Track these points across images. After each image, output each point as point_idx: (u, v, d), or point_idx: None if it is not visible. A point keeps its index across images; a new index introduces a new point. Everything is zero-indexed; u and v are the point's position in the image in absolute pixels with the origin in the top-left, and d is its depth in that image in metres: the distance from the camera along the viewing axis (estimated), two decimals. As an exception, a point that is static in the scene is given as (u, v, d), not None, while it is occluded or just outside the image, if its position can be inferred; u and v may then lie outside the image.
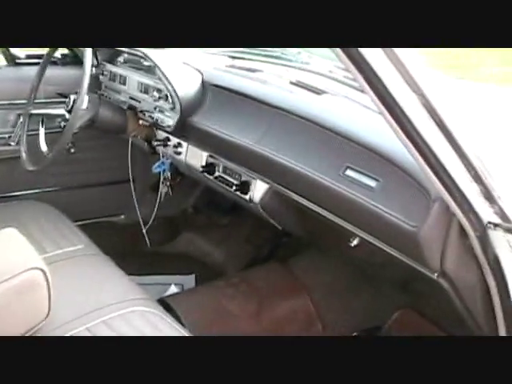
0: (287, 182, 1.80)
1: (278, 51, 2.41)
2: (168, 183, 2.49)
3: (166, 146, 2.34)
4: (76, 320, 1.73)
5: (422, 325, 2.17)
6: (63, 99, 2.33)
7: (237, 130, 1.96)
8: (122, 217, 3.08)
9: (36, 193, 2.77)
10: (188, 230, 3.12)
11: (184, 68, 2.21)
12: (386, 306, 2.31)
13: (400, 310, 2.27)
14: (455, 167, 1.14)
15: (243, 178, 2.01)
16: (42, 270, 1.64)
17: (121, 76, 2.51)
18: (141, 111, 2.37)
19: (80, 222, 2.68)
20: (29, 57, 2.67)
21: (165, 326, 1.72)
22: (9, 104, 2.57)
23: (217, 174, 2.12)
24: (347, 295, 2.41)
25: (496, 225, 1.25)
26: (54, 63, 2.66)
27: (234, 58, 2.39)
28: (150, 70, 2.30)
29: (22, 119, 2.46)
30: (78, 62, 2.55)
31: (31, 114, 2.36)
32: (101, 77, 2.65)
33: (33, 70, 2.44)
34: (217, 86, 2.13)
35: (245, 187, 1.99)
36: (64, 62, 2.72)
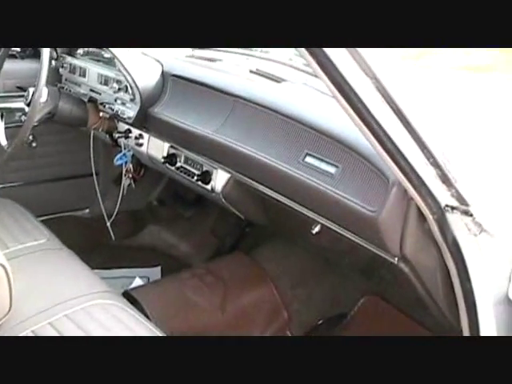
0: (247, 171, 1.80)
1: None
2: (130, 175, 2.47)
3: (127, 137, 2.32)
4: (38, 315, 1.71)
5: (387, 311, 2.19)
6: (23, 93, 2.30)
7: (197, 120, 1.95)
8: (87, 211, 3.06)
9: None
10: (153, 222, 3.10)
11: (143, 59, 2.19)
12: (350, 293, 2.32)
13: (365, 296, 2.28)
14: (411, 151, 1.14)
15: (204, 168, 2.00)
16: (3, 266, 1.61)
17: (81, 68, 2.49)
18: (101, 103, 2.35)
19: (43, 217, 2.66)
20: (-13, 51, 2.63)
21: (127, 318, 1.71)
22: None
23: (178, 164, 2.11)
24: (312, 283, 2.42)
25: (453, 208, 1.26)
26: (13, 56, 2.62)
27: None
28: (110, 62, 2.28)
29: (-20, 114, 2.43)
30: (37, 54, 2.50)
31: (-10, 109, 2.32)
32: (61, 69, 2.62)
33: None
34: (177, 76, 2.11)
35: (206, 177, 1.98)
36: (23, 55, 2.68)
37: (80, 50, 2.54)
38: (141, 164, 2.79)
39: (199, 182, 2.01)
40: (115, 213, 2.66)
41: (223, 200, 2.00)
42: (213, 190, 1.98)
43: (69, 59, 2.56)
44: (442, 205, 1.26)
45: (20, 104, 2.24)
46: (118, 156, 2.39)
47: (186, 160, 2.08)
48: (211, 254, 2.82)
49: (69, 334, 1.62)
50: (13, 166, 2.72)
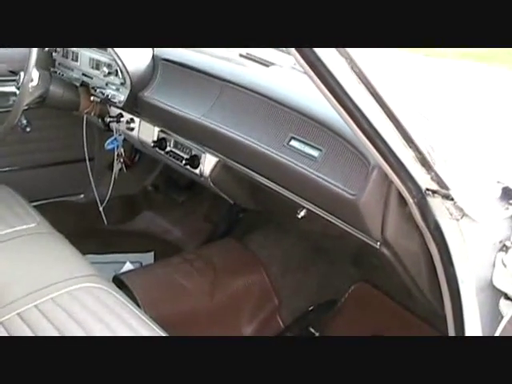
0: (234, 155, 1.79)
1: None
2: (122, 160, 2.46)
3: (118, 122, 2.31)
4: (24, 298, 1.71)
5: (377, 298, 2.18)
6: (15, 77, 2.29)
7: (186, 104, 1.94)
8: (81, 196, 3.06)
9: None
10: (148, 208, 3.10)
11: (133, 42, 2.18)
12: (341, 279, 2.32)
13: (356, 283, 2.28)
14: (388, 133, 1.13)
15: (193, 153, 1.99)
16: (-13, 250, 1.62)
17: (73, 53, 2.48)
18: (93, 87, 2.34)
19: (38, 202, 2.66)
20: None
21: (113, 302, 1.71)
22: None
23: (168, 148, 2.10)
24: (303, 270, 2.41)
25: (434, 191, 1.25)
26: (6, 40, 2.61)
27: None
28: (100, 45, 2.26)
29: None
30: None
31: (-18, 93, 2.32)
32: (54, 54, 2.60)
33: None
34: (167, 60, 2.10)
35: (194, 161, 1.98)
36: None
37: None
38: (135, 149, 2.79)
39: (188, 166, 2.01)
40: (107, 198, 2.66)
41: (211, 184, 1.99)
42: (201, 174, 1.98)
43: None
44: (423, 189, 1.25)
45: (11, 88, 2.23)
46: (109, 140, 2.39)
47: (176, 144, 2.08)
48: (205, 239, 2.82)
49: (53, 317, 1.63)
50: (7, 150, 2.72)
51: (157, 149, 2.13)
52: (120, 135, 2.36)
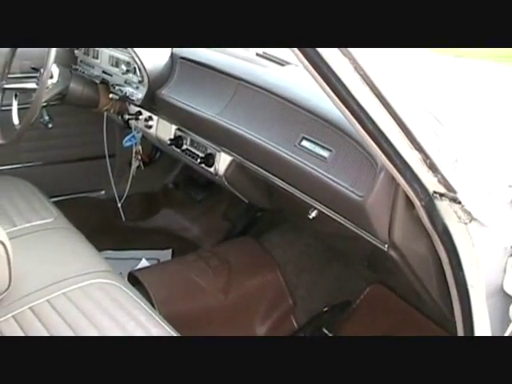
0: (247, 154, 1.79)
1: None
2: (139, 157, 2.48)
3: (137, 119, 2.33)
4: (37, 292, 1.74)
5: (392, 300, 2.17)
6: (37, 74, 2.32)
7: (201, 103, 1.95)
8: (103, 192, 3.08)
9: (13, 168, 2.76)
10: (167, 205, 3.12)
11: (152, 40, 2.19)
12: (356, 281, 2.31)
13: (371, 285, 2.26)
14: (393, 134, 1.12)
15: (208, 151, 2.00)
16: (2, 243, 1.64)
17: (94, 50, 2.50)
18: (112, 85, 2.36)
19: (57, 198, 2.69)
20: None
21: (124, 299, 1.72)
22: None
23: (184, 146, 2.11)
24: (317, 270, 2.40)
25: (441, 194, 1.23)
26: (30, 38, 2.64)
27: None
28: (120, 43, 2.28)
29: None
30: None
31: (5, 89, 2.34)
32: (76, 51, 2.63)
33: (6, 45, 2.42)
34: (185, 58, 2.11)
35: (209, 160, 1.98)
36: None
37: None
38: (155, 147, 2.81)
39: (203, 165, 2.01)
40: (125, 195, 2.68)
41: (226, 183, 2.00)
42: (216, 173, 1.98)
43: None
44: (430, 191, 1.23)
45: (33, 85, 2.25)
46: (127, 138, 2.41)
47: (192, 142, 2.09)
48: (222, 237, 2.83)
49: (65, 312, 1.64)
50: (29, 146, 2.76)
51: (173, 147, 2.14)
52: (138, 133, 2.38)
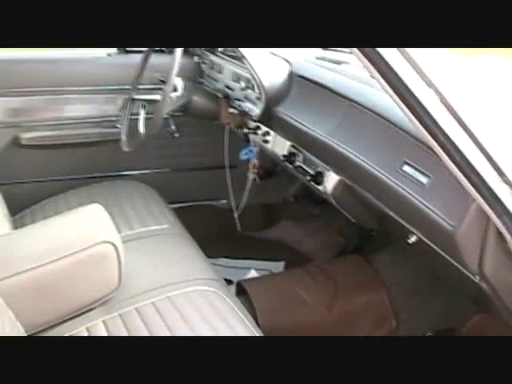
0: (352, 175, 1.81)
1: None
2: (256, 171, 2.55)
3: (255, 133, 2.39)
4: (144, 294, 1.84)
5: (497, 330, 2.10)
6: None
7: (314, 122, 1.98)
8: (223, 201, 3.16)
9: (141, 174, 2.91)
10: (286, 218, 3.17)
11: (272, 58, 2.25)
12: (463, 308, 2.25)
13: (477, 314, 2.21)
14: (482, 166, 1.11)
15: (318, 169, 2.03)
16: (114, 245, 1.75)
17: (218, 65, 2.60)
18: (232, 99, 2.44)
19: (177, 205, 2.81)
20: (137, 45, 2.80)
21: (224, 308, 1.78)
22: (117, 89, 2.71)
23: (297, 163, 2.15)
24: (424, 294, 2.37)
25: (534, 230, 1.20)
26: (162, 51, 2.78)
27: (325, 48, 2.39)
28: (241, 60, 2.36)
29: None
30: (184, 50, 2.65)
31: (134, 99, 2.47)
32: (203, 65, 2.74)
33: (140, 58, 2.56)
34: (302, 77, 2.16)
35: (318, 178, 2.01)
36: (171, 50, 2.83)
37: (219, 48, 2.65)
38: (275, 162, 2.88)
39: (312, 183, 2.05)
40: (242, 206, 2.76)
41: (333, 202, 2.02)
42: (324, 191, 2.01)
43: (209, 56, 2.68)
44: (522, 226, 1.21)
45: (158, 96, 2.36)
46: (244, 151, 2.48)
47: (305, 160, 2.12)
48: (335, 253, 2.84)
49: (167, 316, 1.73)
50: (155, 153, 2.89)
51: (286, 162, 2.19)
52: (255, 147, 2.45)
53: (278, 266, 2.84)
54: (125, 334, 1.68)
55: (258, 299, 2.19)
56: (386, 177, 1.59)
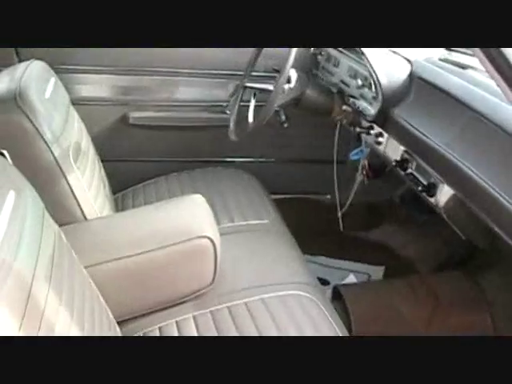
0: (467, 192, 1.69)
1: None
2: (364, 172, 2.45)
3: (368, 134, 2.29)
4: (237, 293, 1.80)
5: None
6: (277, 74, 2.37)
7: (431, 129, 1.86)
8: (328, 197, 3.08)
9: (242, 161, 2.88)
10: (390, 220, 3.06)
11: (392, 57, 2.13)
12: None
13: None
14: None
15: (431, 180, 1.91)
16: (212, 240, 1.72)
17: (335, 58, 2.50)
18: (347, 96, 2.34)
19: (280, 196, 2.76)
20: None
21: (317, 315, 1.74)
22: (230, 74, 2.68)
23: (409, 170, 2.04)
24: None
25: None
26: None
27: (451, 50, 2.25)
28: (360, 56, 2.26)
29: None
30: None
31: (245, 87, 2.42)
32: (319, 57, 2.65)
33: (255, 44, 2.50)
34: (423, 79, 2.03)
35: (431, 190, 1.90)
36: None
37: (339, 42, 2.56)
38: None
39: (423, 194, 1.94)
40: (347, 204, 2.67)
41: (444, 216, 1.90)
42: (436, 204, 1.89)
43: (327, 48, 2.59)
44: None
45: (270, 86, 2.29)
46: (355, 151, 2.39)
47: (418, 168, 2.00)
48: (437, 264, 2.72)
49: (258, 318, 1.69)
50: (263, 142, 2.84)
51: (398, 168, 2.08)
52: (367, 147, 2.35)
53: (377, 271, 2.75)
54: (214, 332, 1.65)
55: (353, 306, 2.12)
56: (507, 201, 1.47)
